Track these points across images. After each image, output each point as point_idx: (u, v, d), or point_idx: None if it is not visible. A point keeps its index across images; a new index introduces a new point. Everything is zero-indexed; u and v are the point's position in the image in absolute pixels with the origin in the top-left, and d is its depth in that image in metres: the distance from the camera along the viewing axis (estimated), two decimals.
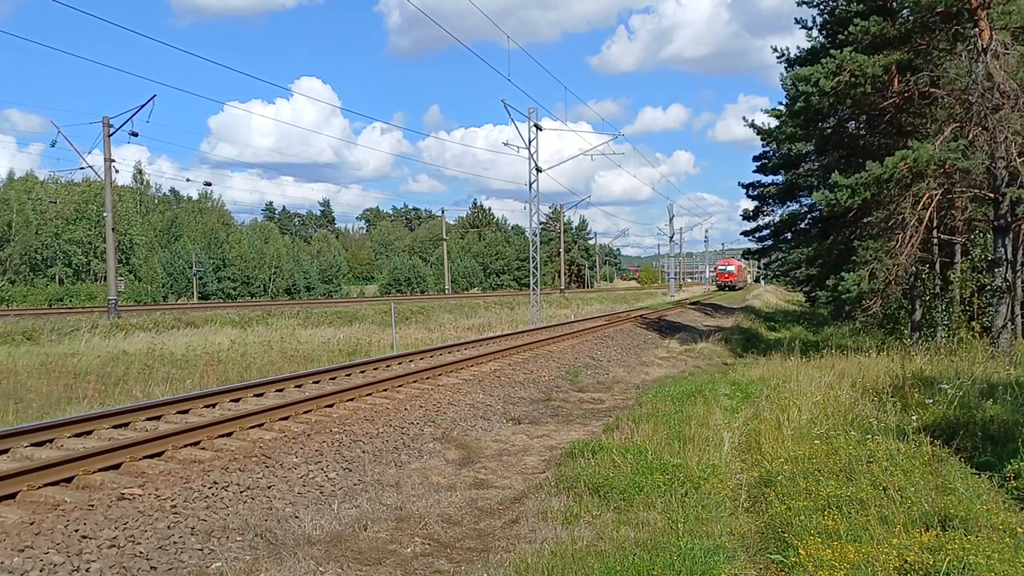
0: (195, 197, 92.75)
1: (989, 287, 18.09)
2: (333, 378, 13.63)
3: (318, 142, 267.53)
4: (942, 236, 19.02)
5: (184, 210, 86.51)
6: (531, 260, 32.97)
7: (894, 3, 18.35)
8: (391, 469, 8.64)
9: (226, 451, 8.54)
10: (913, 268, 17.53)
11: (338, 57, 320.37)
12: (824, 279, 23.37)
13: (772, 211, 33.41)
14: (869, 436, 8.12)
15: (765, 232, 34.02)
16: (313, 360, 18.09)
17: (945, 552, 5.04)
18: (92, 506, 6.45)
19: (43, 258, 65.27)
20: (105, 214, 31.25)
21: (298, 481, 7.79)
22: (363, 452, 9.03)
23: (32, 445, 8.28)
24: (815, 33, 21.81)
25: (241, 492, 7.20)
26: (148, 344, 20.09)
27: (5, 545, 5.56)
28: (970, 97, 15.06)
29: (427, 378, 14.00)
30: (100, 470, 7.48)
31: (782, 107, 25.93)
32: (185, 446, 8.59)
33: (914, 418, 8.50)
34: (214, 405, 10.84)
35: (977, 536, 5.37)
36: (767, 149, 34.33)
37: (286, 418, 10.21)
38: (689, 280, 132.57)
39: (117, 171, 31.84)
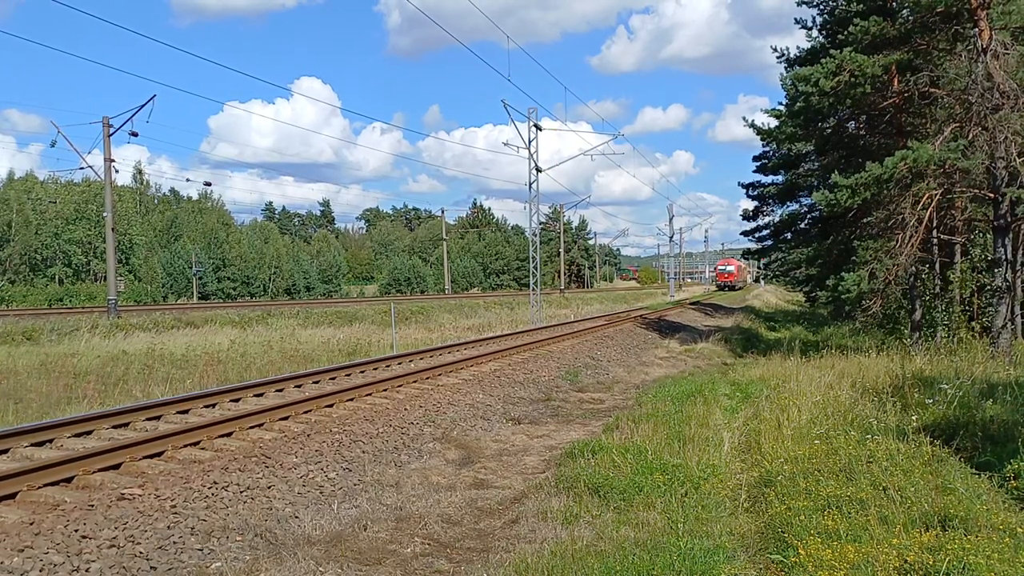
0: (195, 197, 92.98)
1: (989, 287, 18.10)
2: (333, 378, 13.63)
3: (318, 142, 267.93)
4: (942, 236, 19.01)
5: (184, 210, 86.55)
6: (531, 260, 32.97)
7: (894, 3, 18.34)
8: (391, 469, 8.64)
9: (226, 451, 8.54)
10: (913, 268, 17.53)
11: (338, 57, 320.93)
12: (824, 279, 23.37)
13: (772, 211, 33.44)
14: (869, 436, 8.12)
15: (765, 232, 34.02)
16: (313, 360, 18.09)
17: (945, 552, 5.04)
18: (92, 506, 6.45)
19: (43, 258, 65.27)
20: (105, 214, 31.25)
21: (298, 481, 7.79)
22: (363, 452, 9.03)
23: (32, 445, 8.28)
24: (815, 33, 21.82)
25: (241, 492, 7.20)
26: (148, 344, 20.08)
27: (5, 545, 5.56)
28: (970, 97, 15.06)
29: (427, 378, 14.00)
30: (100, 470, 7.48)
31: (782, 107, 25.91)
32: (185, 446, 8.59)
33: (914, 418, 8.50)
34: (214, 405, 10.84)
35: (977, 536, 5.37)
36: (767, 149, 34.33)
37: (286, 418, 10.21)
38: (689, 280, 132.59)
39: (117, 171, 31.88)
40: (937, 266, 19.53)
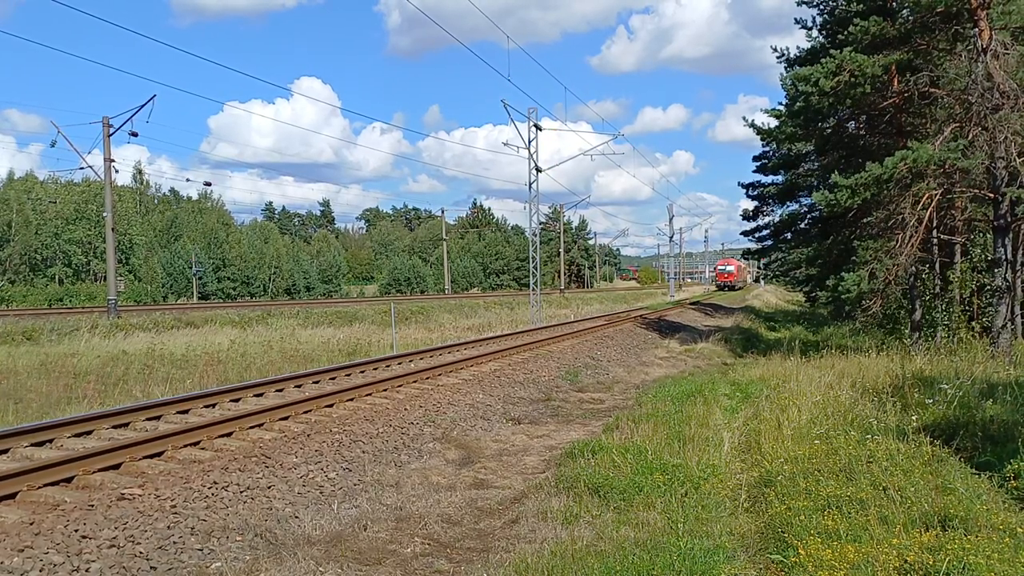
0: (195, 197, 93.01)
1: (989, 287, 18.10)
2: (333, 378, 13.63)
3: (318, 142, 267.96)
4: (942, 236, 19.02)
5: (184, 210, 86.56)
6: (531, 260, 32.97)
7: (894, 3, 18.34)
8: (391, 469, 8.64)
9: (226, 451, 8.54)
10: (913, 268, 17.53)
11: (338, 57, 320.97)
12: (824, 279, 23.37)
13: (772, 211, 33.45)
14: (869, 436, 8.12)
15: (765, 232, 34.03)
16: (313, 360, 18.09)
17: (945, 552, 5.04)
18: (92, 506, 6.45)
19: (43, 258, 65.28)
20: (105, 214, 31.25)
21: (298, 481, 7.79)
22: (363, 452, 9.03)
23: (32, 445, 8.28)
24: (815, 33, 21.82)
25: (241, 492, 7.20)
26: (148, 344, 20.08)
27: (5, 545, 5.56)
28: (970, 97, 15.06)
29: (427, 378, 14.00)
30: (100, 470, 7.48)
31: (782, 107, 25.90)
32: (185, 446, 8.59)
33: (914, 418, 8.50)
34: (214, 405, 10.84)
35: (977, 536, 5.37)
36: (767, 149, 34.33)
37: (286, 418, 10.21)
38: (689, 280, 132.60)
39: (117, 171, 31.88)
40: (937, 266, 19.54)
